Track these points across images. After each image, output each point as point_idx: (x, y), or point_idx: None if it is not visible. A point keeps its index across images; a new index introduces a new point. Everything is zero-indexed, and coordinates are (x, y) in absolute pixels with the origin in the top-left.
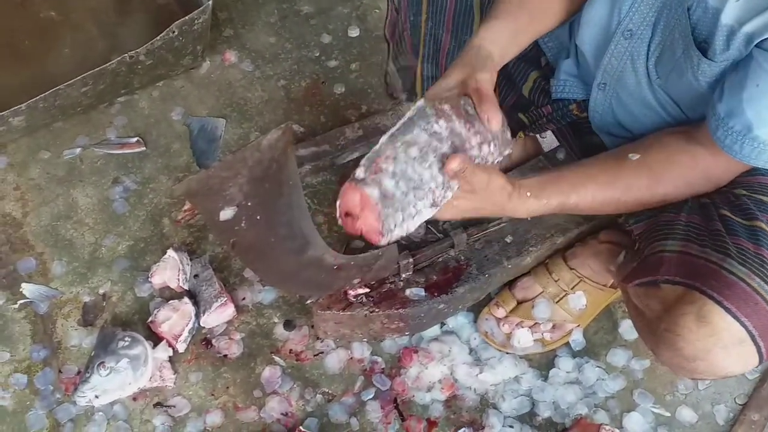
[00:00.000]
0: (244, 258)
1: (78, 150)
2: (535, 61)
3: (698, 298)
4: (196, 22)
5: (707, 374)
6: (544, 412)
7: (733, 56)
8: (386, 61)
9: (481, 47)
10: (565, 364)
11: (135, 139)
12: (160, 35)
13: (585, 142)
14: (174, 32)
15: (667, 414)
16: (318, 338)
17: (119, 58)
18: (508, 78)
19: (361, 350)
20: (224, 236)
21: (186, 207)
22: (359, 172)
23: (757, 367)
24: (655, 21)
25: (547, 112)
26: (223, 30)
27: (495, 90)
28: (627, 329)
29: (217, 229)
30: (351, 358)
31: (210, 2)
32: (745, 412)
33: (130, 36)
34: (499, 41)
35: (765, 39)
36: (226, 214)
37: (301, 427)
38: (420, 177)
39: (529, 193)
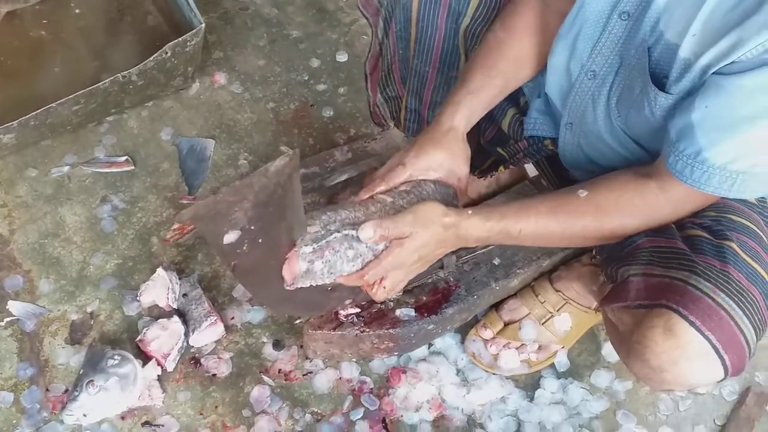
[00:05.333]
0: (244, 280)
1: (66, 168)
2: (513, 98)
3: (665, 312)
4: (188, 43)
5: (674, 385)
6: None
7: (687, 87)
8: (367, 93)
9: (454, 129)
10: (550, 385)
11: (124, 158)
12: (153, 56)
13: (563, 175)
14: (167, 53)
15: None
16: (307, 358)
17: (112, 78)
18: (488, 113)
19: (350, 370)
20: (227, 259)
21: (175, 226)
22: (306, 250)
23: (722, 380)
24: (618, 63)
25: (524, 147)
26: (213, 52)
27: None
28: (610, 351)
29: (220, 252)
30: (340, 378)
31: (203, 25)
32: None
33: (119, 56)
34: (473, 116)
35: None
36: (230, 237)
37: None
38: (341, 269)
39: (470, 211)
